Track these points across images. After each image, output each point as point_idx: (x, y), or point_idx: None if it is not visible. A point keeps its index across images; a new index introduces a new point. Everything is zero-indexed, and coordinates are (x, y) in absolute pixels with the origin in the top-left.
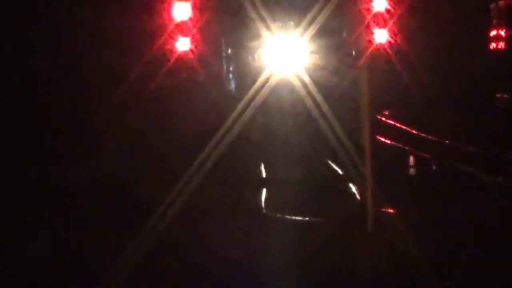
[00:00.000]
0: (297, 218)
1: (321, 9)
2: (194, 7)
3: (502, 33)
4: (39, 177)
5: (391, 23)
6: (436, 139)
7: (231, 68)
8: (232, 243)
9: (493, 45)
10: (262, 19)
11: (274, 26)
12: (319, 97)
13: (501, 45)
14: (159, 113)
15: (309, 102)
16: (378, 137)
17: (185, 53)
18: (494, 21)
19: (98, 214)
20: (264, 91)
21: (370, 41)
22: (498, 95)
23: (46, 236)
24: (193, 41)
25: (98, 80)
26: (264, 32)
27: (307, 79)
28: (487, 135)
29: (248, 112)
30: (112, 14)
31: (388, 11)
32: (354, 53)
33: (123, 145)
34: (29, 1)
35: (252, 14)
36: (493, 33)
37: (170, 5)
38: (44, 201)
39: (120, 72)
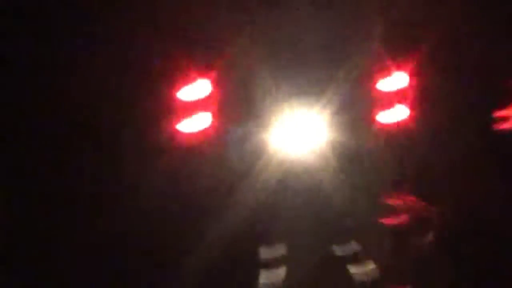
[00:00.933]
0: None
1: (337, 85)
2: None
3: None
4: None
5: (410, 99)
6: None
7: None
8: None
9: None
10: (279, 97)
11: (292, 101)
12: (336, 178)
13: None
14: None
15: (327, 183)
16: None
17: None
18: None
19: None
20: (277, 171)
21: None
22: None
23: None
24: (214, 117)
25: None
26: (282, 109)
27: (324, 158)
28: None
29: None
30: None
31: (409, 87)
32: (373, 129)
33: None
34: None
35: (270, 91)
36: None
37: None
38: None
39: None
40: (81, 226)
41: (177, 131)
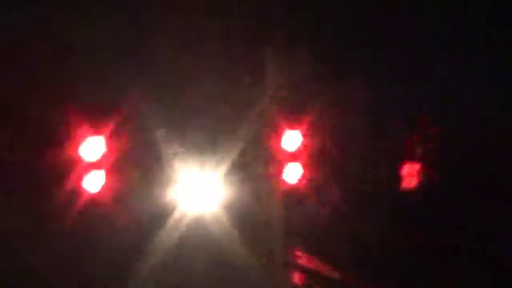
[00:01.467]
0: None
1: (232, 148)
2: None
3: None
4: None
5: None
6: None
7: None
8: None
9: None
10: (175, 153)
11: (188, 160)
12: (235, 237)
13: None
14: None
15: (225, 242)
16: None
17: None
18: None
19: None
20: (176, 232)
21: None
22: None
23: None
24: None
25: None
26: (178, 167)
27: (222, 217)
28: None
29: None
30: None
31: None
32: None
33: None
34: None
35: (166, 148)
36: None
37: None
38: None
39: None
40: None
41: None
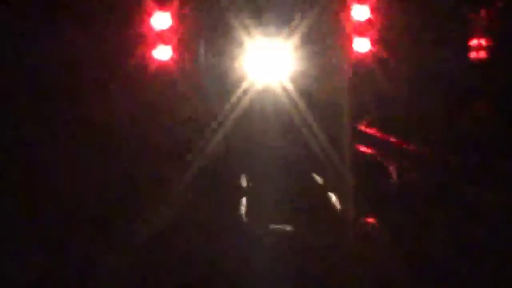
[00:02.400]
0: (277, 227)
1: (303, 17)
2: (174, 16)
3: (483, 42)
4: None
5: (372, 33)
6: (416, 148)
7: (213, 78)
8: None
9: (473, 54)
10: (244, 26)
11: (256, 32)
12: (302, 106)
13: (482, 54)
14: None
15: (292, 110)
16: (358, 146)
17: (166, 62)
18: (474, 30)
19: None
20: (246, 100)
21: (351, 51)
22: (477, 104)
23: None
24: (174, 50)
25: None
26: (246, 39)
27: (290, 87)
28: (467, 144)
29: (230, 121)
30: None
31: (369, 20)
32: (335, 62)
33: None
34: None
35: (233, 21)
36: (474, 42)
37: (149, 14)
38: None
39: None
40: None
41: (152, 58)
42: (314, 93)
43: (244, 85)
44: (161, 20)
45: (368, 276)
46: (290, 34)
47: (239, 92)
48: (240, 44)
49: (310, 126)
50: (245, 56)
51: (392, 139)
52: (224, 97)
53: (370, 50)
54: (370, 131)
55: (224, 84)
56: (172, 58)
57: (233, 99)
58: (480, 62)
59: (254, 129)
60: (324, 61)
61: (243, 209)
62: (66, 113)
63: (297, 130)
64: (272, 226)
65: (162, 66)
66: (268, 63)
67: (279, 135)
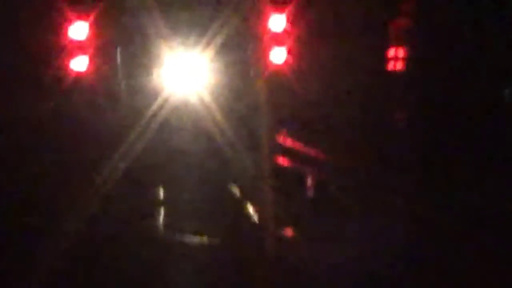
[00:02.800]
0: (193, 239)
1: (222, 26)
2: (91, 25)
3: (400, 53)
4: None
5: (288, 43)
6: (335, 160)
7: (127, 89)
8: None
9: (391, 64)
10: (162, 36)
11: (174, 43)
12: (220, 117)
13: (399, 65)
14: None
15: (209, 122)
16: (277, 158)
17: (84, 72)
18: (392, 41)
19: None
20: (163, 111)
21: (268, 62)
22: (397, 116)
23: None
24: (91, 60)
25: None
26: (164, 50)
27: (208, 99)
28: (384, 156)
29: (146, 134)
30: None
31: (286, 31)
32: (253, 73)
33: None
34: None
35: (151, 30)
36: (391, 52)
37: (68, 23)
38: None
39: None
40: None
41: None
42: (232, 104)
43: (162, 96)
44: (79, 30)
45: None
46: (207, 45)
47: (156, 104)
48: (157, 56)
49: (228, 137)
50: (162, 67)
51: (311, 151)
52: (142, 108)
53: (287, 61)
54: (288, 142)
55: (141, 95)
56: (89, 69)
57: (151, 111)
58: (398, 72)
59: (172, 141)
60: (242, 72)
61: (160, 220)
62: None
63: (215, 141)
64: (189, 237)
65: (79, 76)
66: (185, 74)
67: (197, 146)
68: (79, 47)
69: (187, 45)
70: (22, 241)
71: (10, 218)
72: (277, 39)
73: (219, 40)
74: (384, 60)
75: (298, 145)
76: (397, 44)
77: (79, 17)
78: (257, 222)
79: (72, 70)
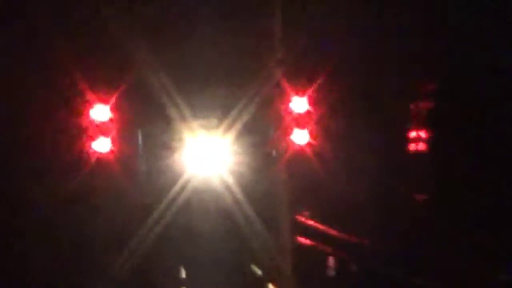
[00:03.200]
0: None
1: (244, 108)
2: (113, 108)
3: (422, 134)
4: None
5: (311, 125)
6: (357, 240)
7: (151, 170)
8: None
9: (412, 146)
10: (183, 118)
11: (195, 125)
12: (241, 199)
13: (421, 146)
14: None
15: (231, 204)
16: (298, 238)
17: (105, 154)
18: (414, 122)
19: None
20: (185, 194)
21: (290, 143)
22: (417, 196)
23: None
24: (114, 142)
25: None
26: (186, 132)
27: (229, 180)
28: (407, 236)
29: (169, 215)
30: (33, 112)
31: (308, 113)
32: (275, 153)
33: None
34: None
35: (173, 113)
36: (413, 134)
37: (90, 106)
38: None
39: (40, 172)
40: None
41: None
42: (253, 185)
43: (184, 178)
44: (101, 112)
45: None
46: (229, 127)
47: (178, 185)
48: (180, 138)
49: (248, 218)
50: (184, 148)
51: (332, 231)
52: (164, 189)
53: (309, 142)
54: (310, 222)
55: (163, 176)
56: (111, 150)
57: (173, 192)
58: (418, 153)
59: (193, 221)
60: (263, 153)
61: None
62: None
63: (236, 222)
64: None
65: (102, 158)
66: (207, 155)
67: (218, 227)
68: (101, 129)
69: (209, 126)
70: None
71: None
72: (300, 120)
73: (241, 121)
74: (406, 141)
75: (319, 225)
76: (419, 126)
77: (100, 100)
78: None
79: (94, 151)
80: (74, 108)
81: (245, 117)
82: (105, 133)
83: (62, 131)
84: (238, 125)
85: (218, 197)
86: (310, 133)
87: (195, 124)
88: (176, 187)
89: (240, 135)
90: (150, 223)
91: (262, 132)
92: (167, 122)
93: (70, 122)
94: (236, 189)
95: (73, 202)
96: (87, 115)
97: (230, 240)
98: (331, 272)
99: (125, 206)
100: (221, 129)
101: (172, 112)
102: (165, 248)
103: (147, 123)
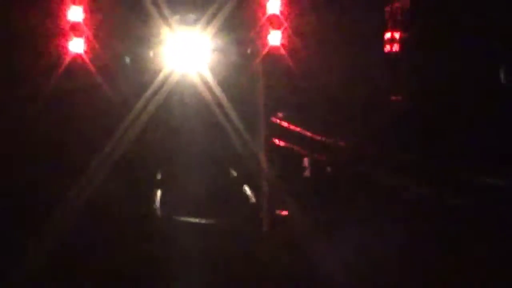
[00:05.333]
0: (192, 220)
1: (221, 7)
2: (86, 9)
3: (397, 35)
4: None
5: (284, 25)
6: (331, 141)
7: (129, 68)
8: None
9: (387, 47)
10: (161, 15)
11: (173, 21)
12: (219, 95)
13: (395, 47)
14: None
15: (210, 100)
16: (273, 139)
17: (79, 55)
18: (389, 23)
19: None
20: (164, 90)
21: (265, 43)
22: (393, 98)
23: None
24: (87, 42)
25: None
26: (164, 29)
27: (208, 77)
28: (383, 137)
29: (147, 112)
30: (7, 13)
31: (282, 13)
32: (250, 53)
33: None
34: None
35: (151, 10)
36: (388, 35)
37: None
38: None
39: (13, 72)
40: None
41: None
42: (231, 84)
43: (162, 75)
44: (74, 13)
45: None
46: (207, 24)
47: (157, 82)
48: (158, 34)
49: (227, 115)
50: (163, 46)
51: (307, 132)
52: (142, 88)
53: (282, 43)
54: (284, 124)
55: (142, 74)
56: (85, 51)
57: (151, 90)
58: (394, 55)
59: (172, 120)
60: (240, 51)
61: (157, 201)
62: None
63: (215, 121)
64: (187, 219)
65: (77, 58)
66: (186, 53)
67: (197, 127)
68: (75, 30)
69: (187, 22)
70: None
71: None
72: (274, 21)
73: (219, 19)
74: (382, 42)
75: (294, 127)
76: (394, 27)
77: (73, 1)
78: (255, 201)
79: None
80: (51, 9)
81: (223, 15)
82: (78, 34)
83: (40, 33)
84: (217, 22)
85: (197, 94)
86: (283, 34)
87: (173, 19)
88: (156, 83)
89: (219, 31)
90: (129, 119)
91: (239, 32)
92: (145, 19)
93: (47, 23)
94: (214, 87)
95: (53, 102)
96: (64, 16)
97: (208, 141)
98: (307, 173)
99: (103, 103)
100: (199, 26)
101: (151, 8)
102: (144, 147)
103: (124, 21)
